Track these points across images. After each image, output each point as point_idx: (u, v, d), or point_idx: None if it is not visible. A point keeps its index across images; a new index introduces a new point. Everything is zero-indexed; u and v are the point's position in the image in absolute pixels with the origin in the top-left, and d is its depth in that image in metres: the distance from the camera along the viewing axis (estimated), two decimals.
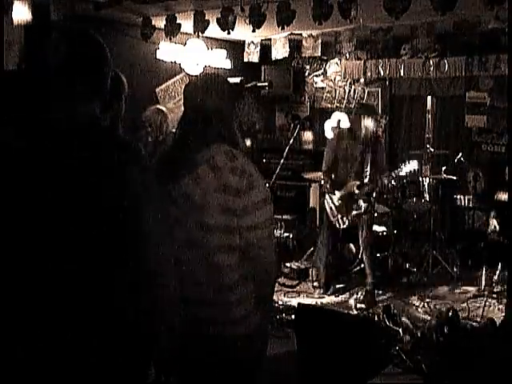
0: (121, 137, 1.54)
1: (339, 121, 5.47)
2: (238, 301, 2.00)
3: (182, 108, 2.14)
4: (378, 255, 5.54)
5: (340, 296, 5.17)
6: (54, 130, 1.48)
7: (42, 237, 1.42)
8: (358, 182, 4.97)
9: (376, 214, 5.49)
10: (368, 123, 4.95)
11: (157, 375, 1.64)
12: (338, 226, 5.10)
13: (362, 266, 5.27)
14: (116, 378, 1.48)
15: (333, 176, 5.14)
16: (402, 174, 4.90)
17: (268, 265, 2.05)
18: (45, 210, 1.42)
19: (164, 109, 4.69)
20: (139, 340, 1.52)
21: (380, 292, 5.16)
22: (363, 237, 5.05)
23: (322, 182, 5.32)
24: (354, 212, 5.02)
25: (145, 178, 1.52)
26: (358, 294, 5.10)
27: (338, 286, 5.31)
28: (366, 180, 4.99)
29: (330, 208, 5.14)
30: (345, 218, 5.05)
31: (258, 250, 1.98)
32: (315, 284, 5.35)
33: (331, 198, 5.11)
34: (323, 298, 5.12)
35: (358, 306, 4.84)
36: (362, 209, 4.99)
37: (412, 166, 4.85)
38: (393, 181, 4.98)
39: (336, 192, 5.06)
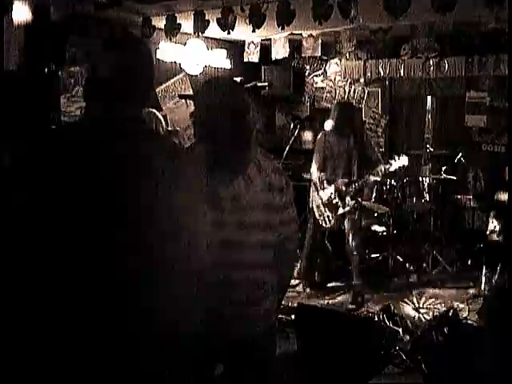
0: (165, 136, 1.66)
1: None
2: (264, 295, 2.06)
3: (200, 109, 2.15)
4: (378, 255, 5.53)
5: (336, 296, 5.14)
6: (115, 130, 1.55)
7: (88, 229, 1.45)
8: (346, 180, 4.95)
9: (376, 214, 5.48)
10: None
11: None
12: (324, 224, 5.07)
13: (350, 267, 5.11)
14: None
15: (322, 174, 5.09)
16: (392, 169, 4.87)
17: (293, 258, 2.24)
18: (102, 204, 1.46)
19: (155, 111, 4.52)
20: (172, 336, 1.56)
21: (380, 292, 5.14)
22: (351, 236, 4.99)
23: (313, 179, 5.22)
24: (341, 210, 4.98)
25: (193, 175, 1.64)
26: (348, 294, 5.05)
27: (330, 284, 5.26)
28: (354, 177, 4.95)
29: (318, 206, 5.09)
30: (331, 217, 5.02)
31: (289, 244, 2.12)
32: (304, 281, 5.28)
33: (319, 196, 5.06)
34: (323, 298, 5.10)
35: (349, 306, 4.81)
36: (349, 207, 4.95)
37: (402, 161, 4.82)
38: (383, 175, 4.94)
39: (325, 189, 5.03)
